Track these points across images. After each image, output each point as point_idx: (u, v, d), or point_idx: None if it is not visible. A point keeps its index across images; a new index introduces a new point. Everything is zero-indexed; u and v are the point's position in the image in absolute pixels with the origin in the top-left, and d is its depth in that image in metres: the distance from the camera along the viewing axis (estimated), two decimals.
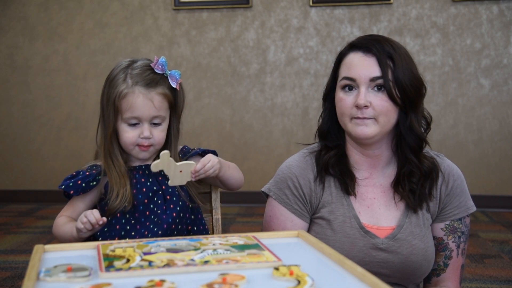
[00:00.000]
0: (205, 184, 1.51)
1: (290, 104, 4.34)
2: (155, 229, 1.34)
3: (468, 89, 4.18)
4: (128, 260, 0.95)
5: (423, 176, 1.36)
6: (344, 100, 1.33)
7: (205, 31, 4.37)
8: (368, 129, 1.30)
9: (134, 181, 1.37)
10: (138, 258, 0.96)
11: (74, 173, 1.37)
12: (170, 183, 1.26)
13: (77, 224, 1.25)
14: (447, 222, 1.40)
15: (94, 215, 1.23)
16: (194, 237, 1.13)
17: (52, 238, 3.36)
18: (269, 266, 0.94)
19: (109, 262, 0.94)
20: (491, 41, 4.13)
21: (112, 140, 1.36)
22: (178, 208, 1.37)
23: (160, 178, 1.39)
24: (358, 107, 1.30)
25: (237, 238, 1.09)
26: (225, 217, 3.83)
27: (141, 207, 1.35)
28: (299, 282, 0.85)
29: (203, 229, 1.44)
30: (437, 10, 4.17)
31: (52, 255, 1.05)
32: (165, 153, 1.21)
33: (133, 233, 1.34)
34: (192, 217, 1.42)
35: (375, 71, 1.30)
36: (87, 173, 1.36)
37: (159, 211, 1.36)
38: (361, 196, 1.39)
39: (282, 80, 4.33)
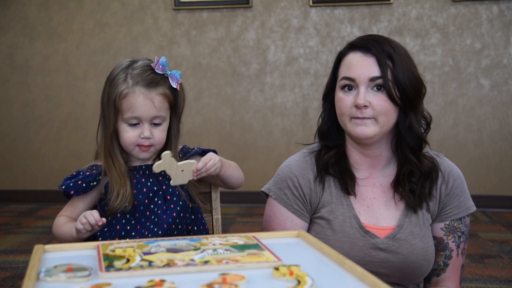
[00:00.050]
0: (205, 183, 1.51)
1: (290, 104, 4.34)
2: (155, 229, 1.34)
3: (468, 89, 4.18)
4: (128, 260, 0.95)
5: (423, 176, 1.36)
6: (344, 100, 1.33)
7: (205, 31, 4.37)
8: (367, 129, 1.31)
9: (135, 181, 1.37)
10: (138, 258, 0.96)
11: (74, 173, 1.37)
12: (172, 182, 1.26)
13: (76, 224, 1.25)
14: (447, 222, 1.40)
15: (94, 216, 1.23)
16: (194, 237, 1.13)
17: (52, 238, 3.36)
18: (269, 266, 0.94)
19: (109, 262, 0.94)
20: (491, 41, 4.13)
21: (112, 140, 1.36)
22: (178, 208, 1.37)
23: (160, 178, 1.39)
24: (357, 107, 1.30)
25: (237, 238, 1.09)
26: (225, 217, 3.83)
27: (141, 207, 1.35)
28: (299, 282, 0.85)
29: (203, 229, 1.44)
30: (437, 10, 4.16)
31: (52, 255, 1.05)
32: (166, 153, 1.21)
33: (133, 233, 1.34)
34: (192, 217, 1.42)
35: (375, 71, 1.30)
36: (87, 173, 1.35)
37: (159, 211, 1.36)
38: (361, 196, 1.39)
39: (282, 80, 4.33)
